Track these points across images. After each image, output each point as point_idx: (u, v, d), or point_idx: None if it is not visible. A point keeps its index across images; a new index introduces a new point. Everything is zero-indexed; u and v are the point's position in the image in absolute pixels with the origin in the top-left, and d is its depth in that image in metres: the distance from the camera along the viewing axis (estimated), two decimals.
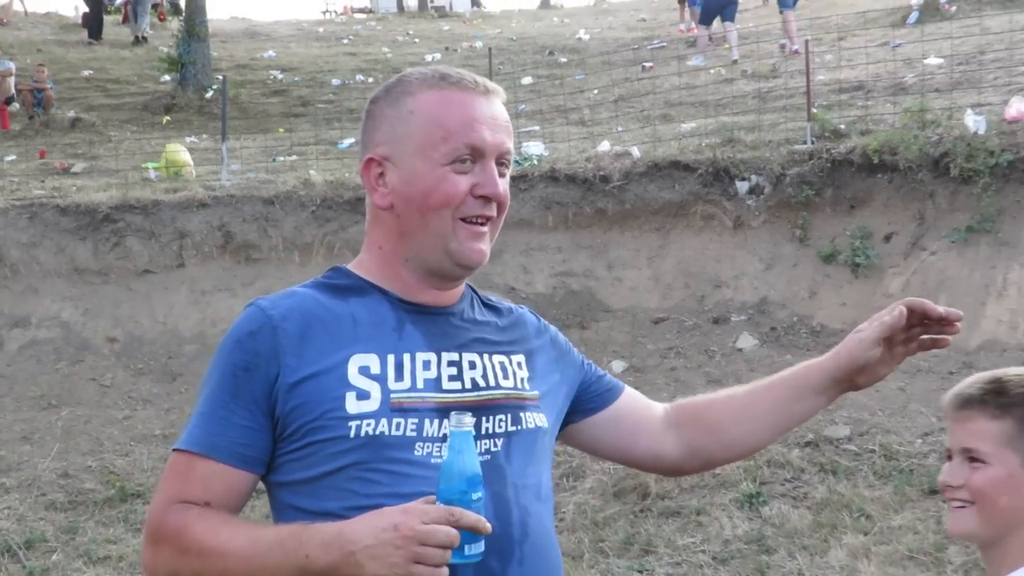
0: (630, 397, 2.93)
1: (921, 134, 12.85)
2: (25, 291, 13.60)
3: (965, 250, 12.04)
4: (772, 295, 12.68)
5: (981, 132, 12.56)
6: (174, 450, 2.45)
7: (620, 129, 16.63)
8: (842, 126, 13.93)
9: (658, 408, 2.97)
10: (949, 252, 12.11)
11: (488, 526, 2.20)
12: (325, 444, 2.35)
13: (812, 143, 13.55)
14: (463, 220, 2.47)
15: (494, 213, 2.51)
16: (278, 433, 2.41)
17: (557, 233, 13.68)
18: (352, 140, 17.79)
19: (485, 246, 2.52)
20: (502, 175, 2.50)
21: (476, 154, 2.46)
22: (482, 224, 2.49)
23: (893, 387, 10.76)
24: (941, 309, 2.66)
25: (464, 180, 2.45)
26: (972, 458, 2.62)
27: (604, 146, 15.04)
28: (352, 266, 2.64)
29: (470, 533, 2.17)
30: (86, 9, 30.41)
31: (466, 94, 2.49)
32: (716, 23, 22.90)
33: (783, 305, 12.55)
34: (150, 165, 16.37)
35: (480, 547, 2.21)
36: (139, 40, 28.17)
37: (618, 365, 11.96)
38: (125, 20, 31.24)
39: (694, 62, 21.62)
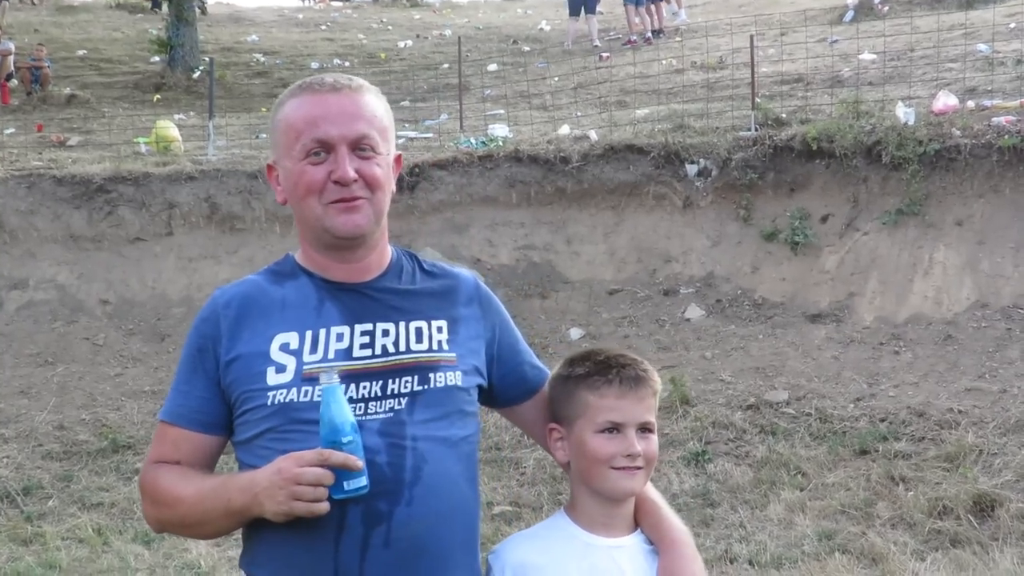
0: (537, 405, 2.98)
1: (856, 124, 12.87)
2: (23, 255, 13.47)
3: (895, 231, 12.08)
4: (718, 270, 12.69)
5: (911, 123, 12.59)
6: (158, 419, 2.75)
7: (579, 114, 16.58)
8: (783, 115, 13.93)
9: None
10: (880, 233, 12.15)
11: (358, 463, 2.42)
12: (252, 411, 2.60)
13: (756, 130, 13.54)
14: (331, 204, 2.62)
15: (361, 192, 2.63)
16: (228, 402, 2.66)
17: (520, 210, 13.64)
18: None
19: (360, 216, 2.64)
20: (365, 158, 2.63)
21: (325, 146, 2.61)
22: (350, 201, 2.62)
23: (828, 356, 10.82)
24: None
25: (321, 170, 2.61)
26: (646, 429, 2.77)
27: (564, 130, 15.01)
28: (296, 253, 2.82)
29: (346, 471, 2.40)
30: None
31: (315, 96, 2.65)
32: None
33: (728, 279, 12.56)
34: (141, 140, 16.20)
35: (360, 482, 2.43)
36: (203, 11, 28.02)
37: (575, 332, 11.96)
38: None
39: (567, 46, 23.18)
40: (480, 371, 2.79)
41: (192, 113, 19.24)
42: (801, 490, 8.47)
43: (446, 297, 2.80)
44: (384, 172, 2.68)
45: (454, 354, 2.71)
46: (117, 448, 9.90)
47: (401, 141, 14.85)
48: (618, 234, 13.36)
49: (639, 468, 2.74)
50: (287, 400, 2.55)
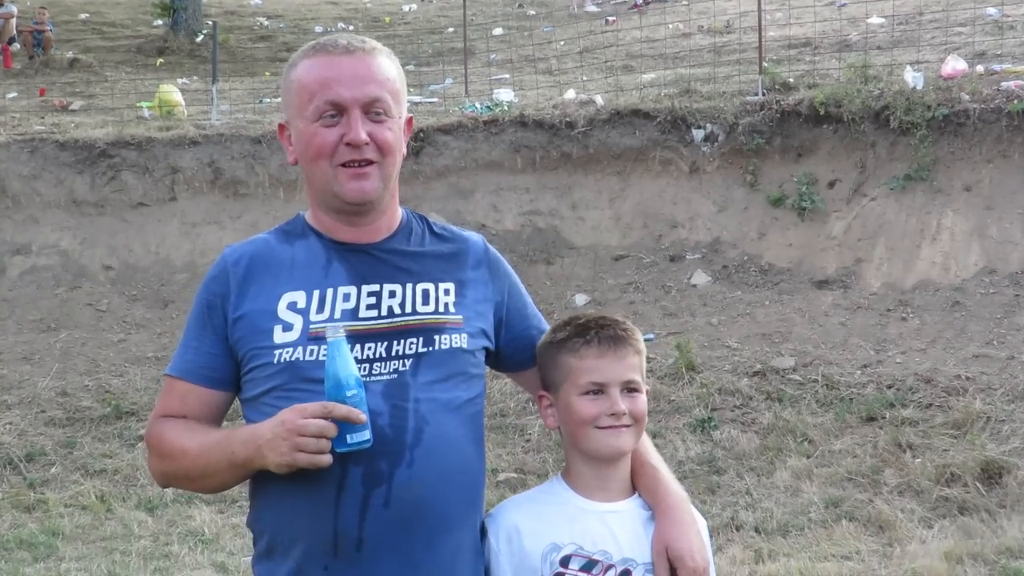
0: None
1: (864, 88, 12.78)
2: (26, 221, 13.45)
3: (902, 197, 12.02)
4: (724, 235, 12.64)
5: (919, 87, 12.50)
6: (164, 374, 2.80)
7: (585, 79, 16.48)
8: (791, 79, 13.83)
9: None
10: (888, 198, 12.08)
11: (362, 416, 2.44)
12: (259, 369, 2.64)
13: (763, 95, 13.45)
14: (342, 166, 2.64)
15: (371, 155, 2.64)
16: (236, 359, 2.69)
17: (525, 175, 13.58)
18: None
19: (369, 183, 2.66)
20: (378, 121, 2.65)
21: (338, 108, 2.63)
22: (361, 166, 2.64)
23: (835, 322, 10.78)
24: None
25: (333, 132, 2.63)
26: (631, 388, 2.78)
27: (570, 94, 14.92)
28: (306, 213, 2.83)
29: (350, 424, 2.43)
30: None
31: (329, 57, 2.67)
32: None
33: (734, 245, 12.51)
34: (144, 104, 16.16)
35: (363, 436, 2.46)
36: None
37: (580, 299, 11.92)
38: None
39: (573, 10, 23.22)
40: (487, 334, 2.81)
41: (195, 77, 19.17)
42: (808, 457, 8.45)
43: (454, 260, 2.81)
44: (395, 136, 2.69)
45: (460, 316, 2.73)
46: (120, 414, 9.90)
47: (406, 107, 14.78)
48: (624, 199, 13.30)
49: (626, 427, 2.75)
50: (293, 359, 2.58)
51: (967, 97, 12.12)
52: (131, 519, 8.05)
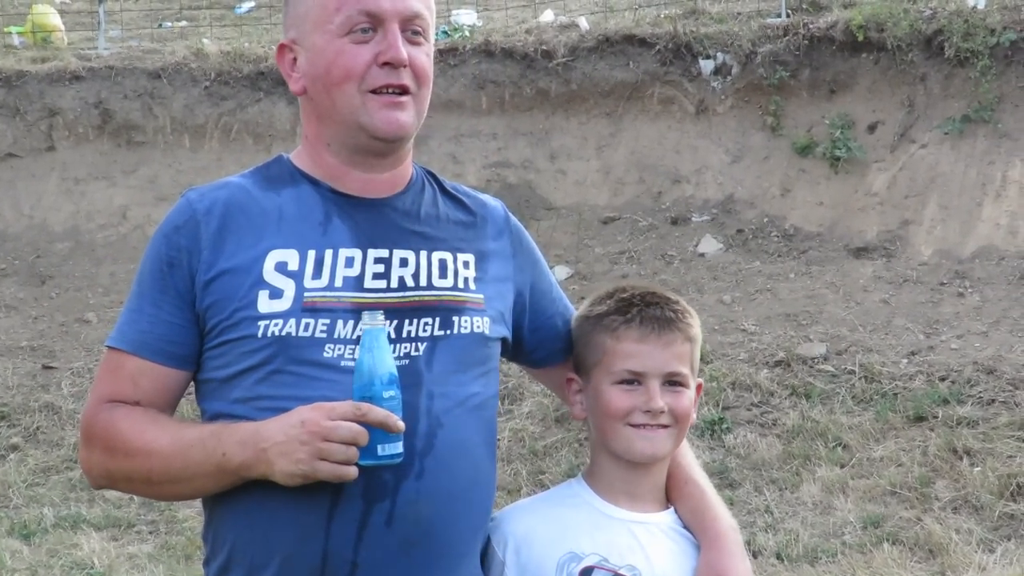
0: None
1: (912, 8, 12.83)
2: None
3: (960, 143, 12.09)
4: (739, 192, 12.69)
5: (980, 7, 12.56)
6: (107, 346, 2.71)
7: None
8: None
9: None
10: (941, 145, 12.15)
11: (400, 424, 2.44)
12: (236, 343, 2.59)
13: (787, 16, 13.49)
14: (372, 92, 2.64)
15: (408, 82, 2.66)
16: (201, 330, 2.64)
17: (492, 117, 13.60)
18: (252, 4, 17.55)
19: (404, 115, 2.67)
20: (415, 43, 2.67)
21: (374, 21, 2.63)
22: (396, 94, 2.65)
23: (876, 299, 10.84)
24: None
25: (365, 50, 2.63)
26: (675, 382, 2.85)
27: (547, 16, 14.93)
28: (292, 155, 2.82)
29: (383, 432, 2.42)
30: None
31: None
32: None
33: (752, 204, 12.56)
34: (13, 29, 16.08)
35: (396, 448, 2.46)
36: None
37: (562, 271, 11.94)
38: None
39: None
40: (506, 319, 2.85)
41: None
42: (842, 466, 8.51)
43: (473, 227, 2.86)
44: (431, 64, 2.73)
45: (481, 295, 2.77)
46: None
47: None
48: (614, 148, 13.34)
49: (663, 427, 2.81)
50: (283, 333, 2.56)
51: None
52: (2, 548, 8.05)
